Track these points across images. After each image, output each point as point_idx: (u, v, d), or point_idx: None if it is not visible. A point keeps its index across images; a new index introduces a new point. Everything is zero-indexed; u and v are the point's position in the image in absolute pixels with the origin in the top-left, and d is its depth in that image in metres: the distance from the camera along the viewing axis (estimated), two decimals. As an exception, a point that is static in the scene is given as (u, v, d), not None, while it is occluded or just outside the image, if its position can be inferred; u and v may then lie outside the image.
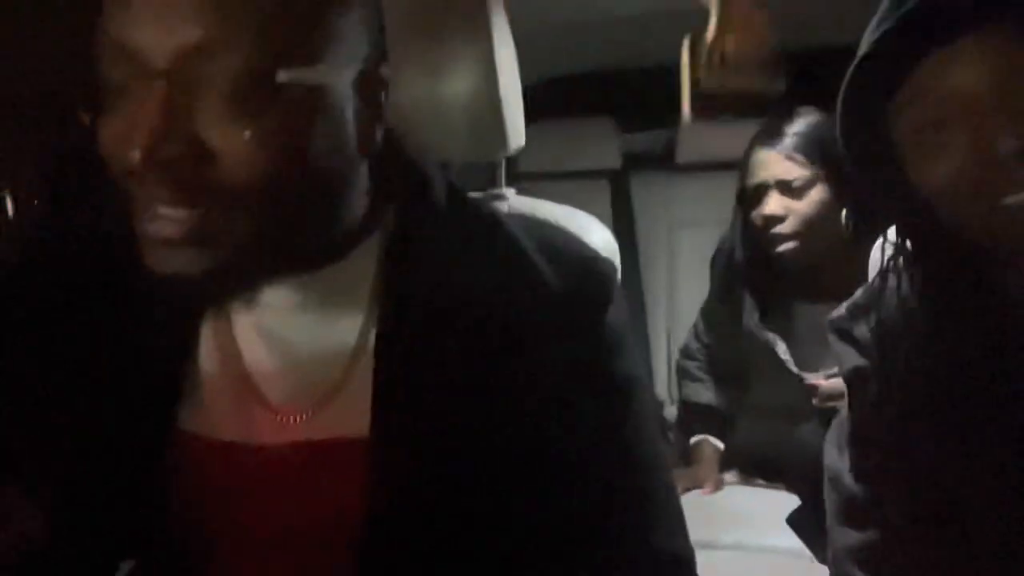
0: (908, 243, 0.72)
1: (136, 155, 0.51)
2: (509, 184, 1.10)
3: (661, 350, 1.99)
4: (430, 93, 0.91)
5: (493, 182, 1.09)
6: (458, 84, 0.92)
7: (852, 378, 0.77)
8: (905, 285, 0.73)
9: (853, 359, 0.77)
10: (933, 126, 0.63)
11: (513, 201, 1.05)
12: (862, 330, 0.76)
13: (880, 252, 0.76)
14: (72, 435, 0.61)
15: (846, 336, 0.78)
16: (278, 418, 0.63)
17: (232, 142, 0.53)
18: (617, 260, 1.05)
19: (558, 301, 0.66)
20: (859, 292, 0.80)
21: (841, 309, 0.80)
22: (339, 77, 0.57)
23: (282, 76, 0.53)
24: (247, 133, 0.52)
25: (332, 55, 0.56)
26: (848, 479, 0.74)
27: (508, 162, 1.09)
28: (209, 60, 0.52)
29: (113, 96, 0.54)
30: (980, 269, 0.68)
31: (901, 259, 0.73)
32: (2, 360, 0.64)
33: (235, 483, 0.63)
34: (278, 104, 0.53)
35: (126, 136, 0.52)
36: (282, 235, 0.57)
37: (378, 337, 0.63)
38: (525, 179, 2.05)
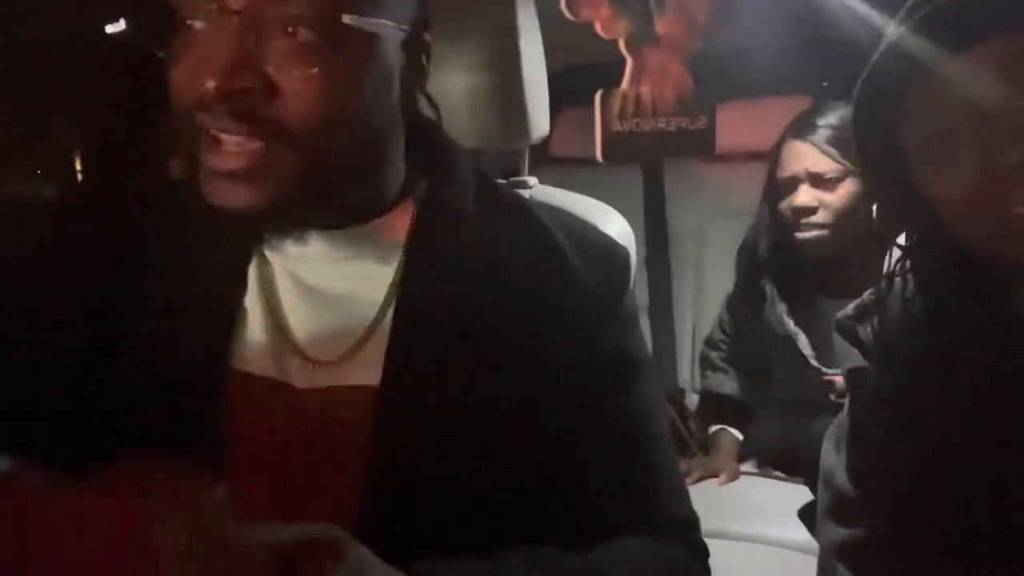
0: (915, 251, 0.72)
1: (211, 84, 0.57)
2: (543, 169, 1.10)
3: (686, 339, 2.00)
4: (457, 81, 0.94)
5: (516, 169, 1.11)
6: (484, 73, 0.94)
7: (852, 379, 0.78)
8: (910, 291, 0.73)
9: (854, 359, 0.77)
10: (942, 136, 0.64)
11: (535, 189, 1.07)
12: (866, 331, 0.77)
13: (888, 256, 0.76)
14: (133, 370, 0.65)
15: (850, 336, 0.79)
16: (307, 364, 0.67)
17: (296, 79, 0.58)
18: (633, 249, 1.06)
19: (582, 285, 0.70)
20: (867, 293, 0.80)
21: (849, 309, 0.81)
22: (392, 32, 0.63)
23: (346, 18, 0.59)
24: (311, 72, 0.58)
25: (387, 10, 0.62)
26: (841, 477, 0.75)
27: (541, 147, 1.09)
28: (280, 2, 0.57)
29: (189, 34, 0.59)
30: (984, 282, 0.68)
31: (908, 264, 0.74)
32: (70, 301, 0.67)
33: (265, 419, 0.66)
34: (339, 49, 0.59)
35: (202, 68, 0.57)
36: (329, 179, 0.63)
37: (400, 297, 0.67)
38: (557, 164, 2.06)
